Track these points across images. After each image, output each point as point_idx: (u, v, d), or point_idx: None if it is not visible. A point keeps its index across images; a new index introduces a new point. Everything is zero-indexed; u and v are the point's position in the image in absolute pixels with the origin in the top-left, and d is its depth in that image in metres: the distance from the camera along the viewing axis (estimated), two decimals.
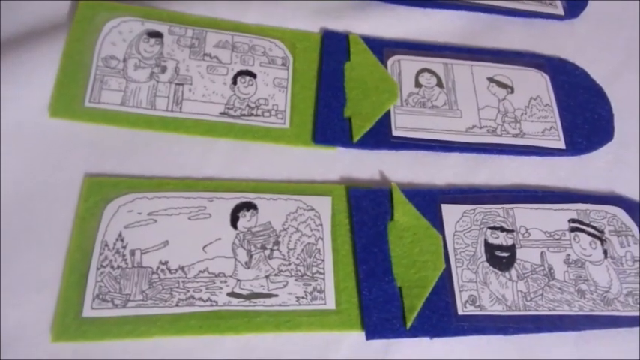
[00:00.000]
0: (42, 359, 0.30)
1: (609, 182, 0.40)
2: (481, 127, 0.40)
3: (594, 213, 0.38)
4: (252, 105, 0.38)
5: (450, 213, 0.37)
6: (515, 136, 0.40)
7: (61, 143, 0.35)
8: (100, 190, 0.34)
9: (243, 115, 0.38)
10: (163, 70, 0.38)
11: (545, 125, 0.41)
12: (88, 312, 0.30)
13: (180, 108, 0.37)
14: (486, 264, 0.35)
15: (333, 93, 0.40)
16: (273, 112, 0.38)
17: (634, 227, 0.38)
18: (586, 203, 0.38)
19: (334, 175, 0.38)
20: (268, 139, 0.38)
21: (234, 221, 0.34)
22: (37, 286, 0.31)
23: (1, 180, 0.34)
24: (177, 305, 0.31)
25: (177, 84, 0.38)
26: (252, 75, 0.39)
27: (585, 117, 0.42)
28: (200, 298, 0.32)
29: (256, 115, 0.38)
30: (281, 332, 0.32)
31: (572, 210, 0.38)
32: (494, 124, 0.41)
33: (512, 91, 0.42)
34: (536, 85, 0.43)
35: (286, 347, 0.32)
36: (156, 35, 0.39)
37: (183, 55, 0.39)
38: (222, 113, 0.38)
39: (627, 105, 0.43)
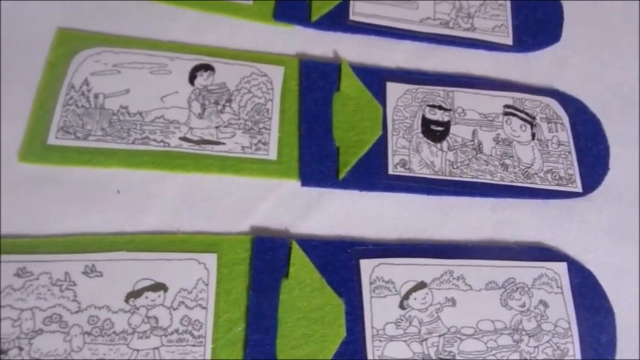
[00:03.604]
0: (10, 179, 0.33)
1: (550, 80, 0.43)
2: (434, 19, 0.43)
3: (529, 102, 0.41)
4: None
5: (394, 89, 0.40)
6: (466, 29, 0.43)
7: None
8: (70, 41, 0.37)
9: None
10: None
11: (496, 22, 0.44)
12: (52, 140, 0.34)
13: None
14: (421, 135, 0.38)
15: None
16: None
17: (565, 117, 0.41)
18: (523, 93, 0.41)
19: (290, 50, 0.41)
20: (232, 13, 0.40)
21: (192, 79, 0.37)
22: (7, 117, 0.35)
23: None
24: (133, 143, 0.35)
25: None
26: None
27: (536, 18, 0.44)
28: (154, 139, 0.35)
29: None
30: (225, 175, 0.35)
31: (508, 97, 0.41)
32: (448, 17, 0.43)
33: None
34: None
35: (229, 188, 0.35)
36: None
37: None
38: None
39: (579, 11, 0.46)
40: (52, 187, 0.33)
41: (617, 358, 0.33)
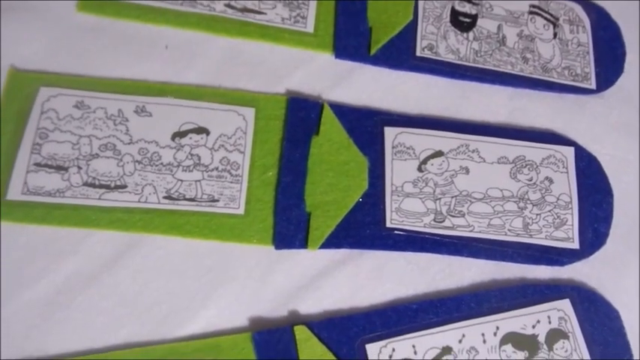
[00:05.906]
0: (67, 27, 0.36)
1: None
2: None
3: (554, 4, 0.43)
4: None
5: None
6: None
7: None
8: None
9: None
10: None
11: None
12: None
13: None
14: (449, 24, 0.41)
15: None
16: None
17: (586, 21, 0.43)
18: None
19: None
20: None
21: None
22: None
23: None
24: (181, 5, 0.37)
25: None
26: None
27: None
28: (201, 3, 0.37)
29: None
30: (265, 42, 0.38)
31: None
32: None
33: None
34: None
35: (268, 55, 0.38)
36: None
37: None
38: None
39: None
40: (106, 37, 0.36)
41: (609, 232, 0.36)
